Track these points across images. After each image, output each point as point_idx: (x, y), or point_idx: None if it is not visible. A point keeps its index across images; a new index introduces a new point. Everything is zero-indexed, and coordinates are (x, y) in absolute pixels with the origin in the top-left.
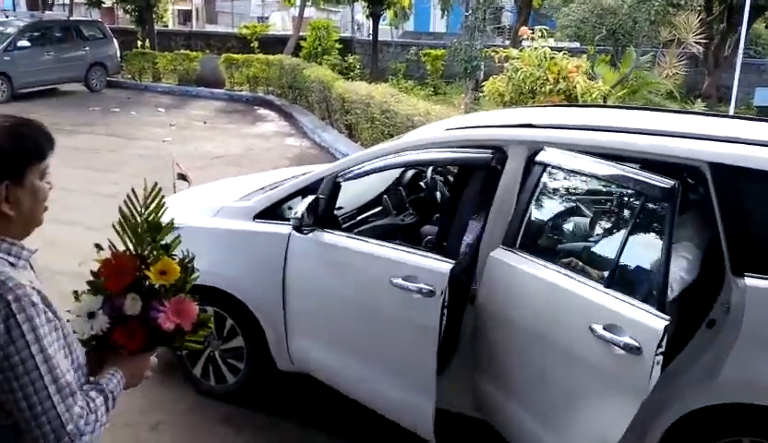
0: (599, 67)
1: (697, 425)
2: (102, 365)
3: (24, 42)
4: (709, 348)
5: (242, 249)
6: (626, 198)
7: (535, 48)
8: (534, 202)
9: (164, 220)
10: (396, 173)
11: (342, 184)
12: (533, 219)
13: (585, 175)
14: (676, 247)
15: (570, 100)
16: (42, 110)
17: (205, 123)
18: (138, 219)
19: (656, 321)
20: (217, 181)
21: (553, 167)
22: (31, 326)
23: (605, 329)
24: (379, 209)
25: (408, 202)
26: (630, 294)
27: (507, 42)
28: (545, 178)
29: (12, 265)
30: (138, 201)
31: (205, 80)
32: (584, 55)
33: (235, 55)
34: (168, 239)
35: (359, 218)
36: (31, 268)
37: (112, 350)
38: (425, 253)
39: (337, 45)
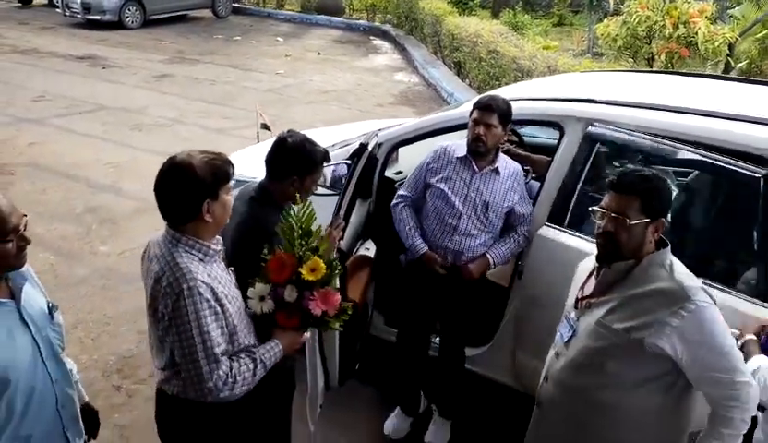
0: (745, 6)
1: None
2: (271, 334)
3: None
4: None
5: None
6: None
7: None
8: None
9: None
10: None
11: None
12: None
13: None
14: None
15: (690, 47)
16: (170, 36)
17: (319, 54)
18: (295, 226)
19: None
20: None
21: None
22: (195, 309)
23: None
24: None
25: None
26: None
27: None
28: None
29: (201, 260)
30: (295, 213)
31: (325, 7)
32: None
33: None
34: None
35: None
36: (222, 260)
37: (276, 326)
38: None
39: None
